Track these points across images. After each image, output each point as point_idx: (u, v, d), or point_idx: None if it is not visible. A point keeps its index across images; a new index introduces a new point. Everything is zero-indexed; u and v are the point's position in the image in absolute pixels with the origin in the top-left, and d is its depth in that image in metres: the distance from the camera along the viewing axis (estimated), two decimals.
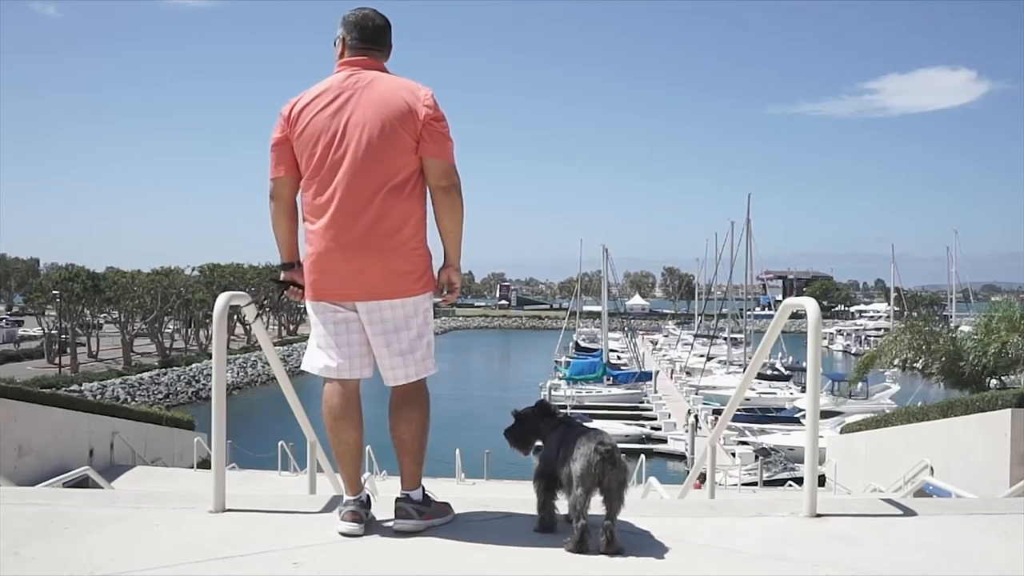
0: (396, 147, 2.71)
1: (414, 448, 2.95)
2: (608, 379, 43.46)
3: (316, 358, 2.92)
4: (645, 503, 5.32)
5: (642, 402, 41.12)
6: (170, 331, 57.65)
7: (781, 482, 19.92)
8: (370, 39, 2.90)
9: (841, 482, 14.05)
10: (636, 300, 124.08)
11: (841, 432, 16.67)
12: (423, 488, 2.98)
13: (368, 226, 2.74)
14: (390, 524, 2.94)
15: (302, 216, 2.89)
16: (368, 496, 3.02)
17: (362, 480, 3.09)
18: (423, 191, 2.83)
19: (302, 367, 3.09)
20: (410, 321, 2.88)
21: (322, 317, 2.89)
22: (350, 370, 2.91)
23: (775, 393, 38.71)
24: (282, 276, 3.00)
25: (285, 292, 3.01)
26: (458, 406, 37.65)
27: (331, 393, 2.93)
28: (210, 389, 3.23)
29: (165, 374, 46.59)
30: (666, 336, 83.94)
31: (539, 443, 3.01)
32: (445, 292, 2.94)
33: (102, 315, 55.53)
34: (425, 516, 2.92)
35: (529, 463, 3.32)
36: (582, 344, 64.13)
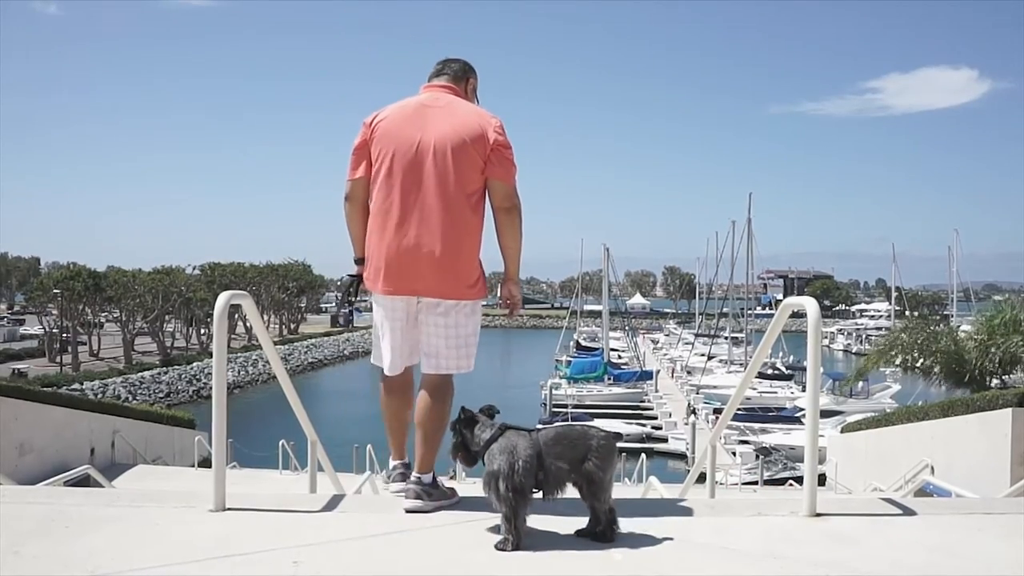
0: (466, 164, 2.96)
1: (433, 438, 3.17)
2: (609, 378, 43.46)
3: (382, 353, 3.24)
4: (645, 502, 5.32)
5: (643, 401, 41.15)
6: (171, 330, 57.67)
7: (781, 481, 19.92)
8: (451, 72, 3.24)
9: (841, 481, 14.05)
10: (637, 299, 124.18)
11: (841, 431, 16.66)
12: (433, 473, 3.17)
13: (435, 231, 2.99)
14: (394, 518, 2.97)
15: (371, 213, 3.12)
16: (410, 461, 3.30)
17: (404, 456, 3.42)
18: (484, 208, 3.11)
19: (372, 361, 3.37)
20: (468, 320, 3.16)
21: (387, 311, 3.16)
22: (406, 362, 3.25)
23: (776, 392, 38.73)
24: (356, 270, 3.24)
25: (359, 284, 3.25)
26: (458, 405, 37.63)
27: (389, 379, 3.29)
28: (211, 388, 3.23)
29: (166, 373, 46.64)
30: (667, 335, 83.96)
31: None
32: (507, 303, 3.26)
33: (103, 314, 55.58)
34: (433, 498, 3.10)
35: None
36: (583, 343, 64.12)
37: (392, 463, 3.45)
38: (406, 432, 3.37)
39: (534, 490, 2.69)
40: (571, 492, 2.78)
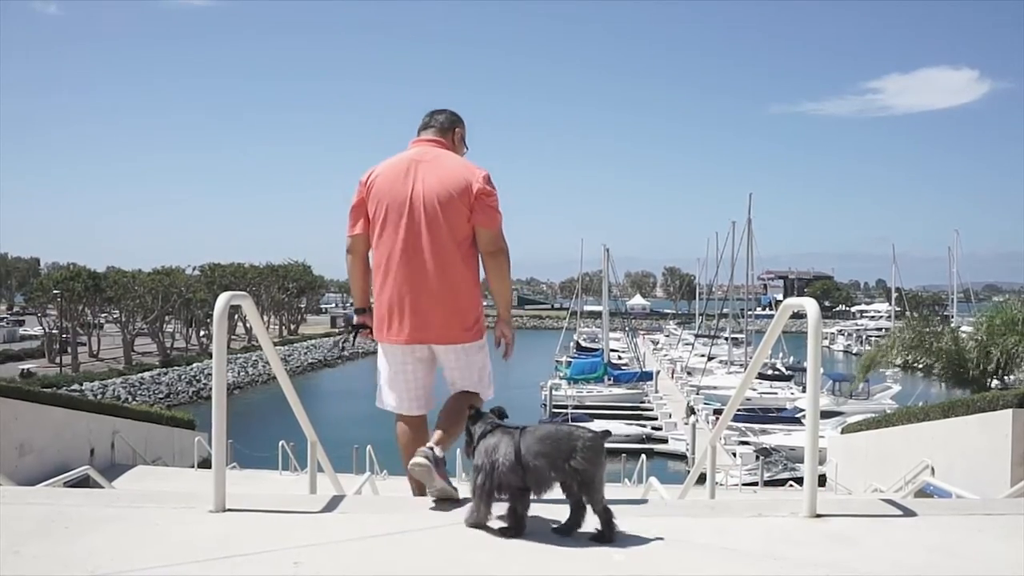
0: (454, 215, 3.14)
1: (454, 431, 3.29)
2: (609, 379, 43.44)
3: (386, 396, 3.46)
4: (645, 503, 5.32)
5: (643, 402, 41.13)
6: (171, 331, 57.65)
7: (782, 482, 19.92)
8: (438, 125, 3.39)
9: (842, 482, 14.05)
10: (637, 300, 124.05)
11: (842, 432, 16.66)
12: (444, 457, 3.24)
13: (431, 280, 3.19)
14: (394, 519, 2.96)
15: (372, 267, 3.33)
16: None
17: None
18: (476, 254, 3.30)
19: (376, 404, 3.53)
20: (476, 356, 3.40)
21: (390, 358, 3.37)
22: (413, 408, 3.44)
23: (776, 393, 38.71)
24: (355, 320, 3.44)
25: (358, 333, 3.45)
26: None
27: (403, 427, 3.46)
28: (211, 388, 3.24)
29: (166, 373, 46.62)
30: (667, 336, 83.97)
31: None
32: (502, 345, 3.43)
33: (103, 315, 55.56)
34: (439, 471, 3.13)
35: None
36: (583, 344, 64.12)
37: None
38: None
39: (521, 487, 2.73)
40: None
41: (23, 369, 44.11)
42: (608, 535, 2.74)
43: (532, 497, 2.78)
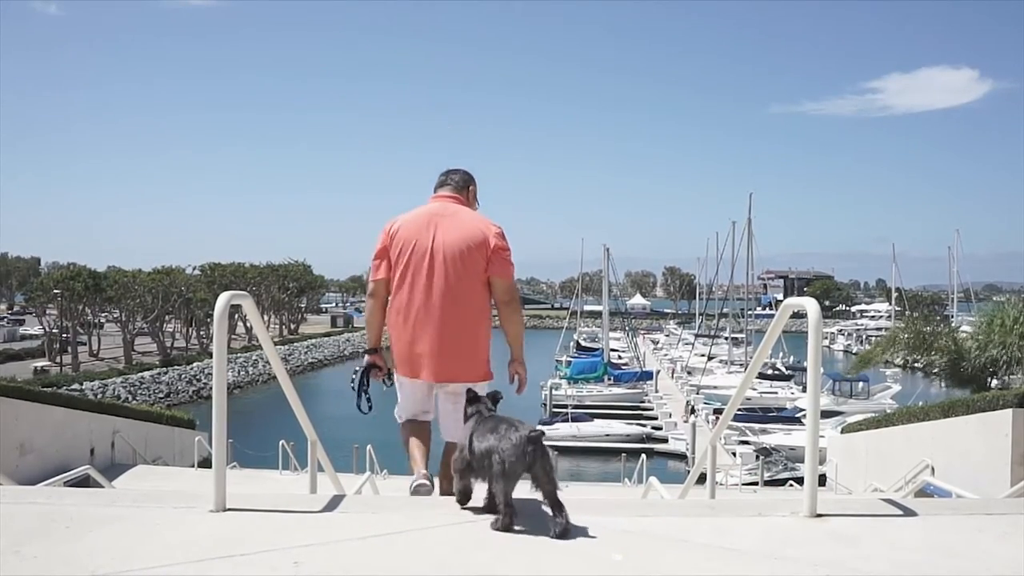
0: (472, 266, 3.43)
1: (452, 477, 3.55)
2: (609, 379, 43.46)
3: (403, 411, 3.78)
4: (645, 503, 5.32)
5: (643, 402, 41.15)
6: (171, 330, 57.65)
7: (782, 482, 19.92)
8: (455, 183, 3.70)
9: (842, 482, 14.06)
10: (637, 300, 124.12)
11: (842, 432, 16.67)
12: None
13: (447, 325, 3.46)
14: (395, 518, 2.97)
15: (390, 310, 3.58)
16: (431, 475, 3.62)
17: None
18: (489, 301, 3.57)
19: (396, 417, 3.82)
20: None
21: (408, 389, 3.69)
22: (423, 416, 3.81)
23: (776, 393, 38.72)
24: (367, 359, 3.69)
25: (369, 372, 3.71)
26: None
27: (410, 426, 3.76)
28: (211, 388, 3.25)
29: (166, 373, 46.62)
30: (667, 336, 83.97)
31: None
32: (516, 382, 3.64)
33: (103, 314, 55.56)
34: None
35: None
36: (583, 343, 64.14)
37: (417, 476, 3.62)
38: (426, 455, 3.75)
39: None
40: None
41: (36, 367, 44.31)
42: (558, 529, 2.75)
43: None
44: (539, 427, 2.91)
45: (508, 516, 2.79)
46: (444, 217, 3.49)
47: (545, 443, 2.80)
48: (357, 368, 3.75)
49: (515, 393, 3.65)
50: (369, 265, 3.70)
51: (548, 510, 2.80)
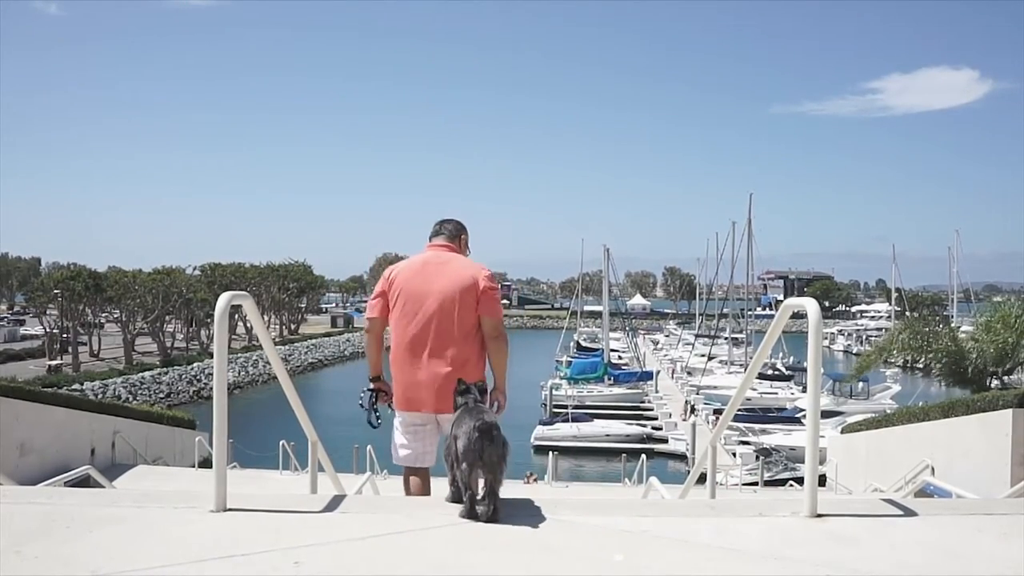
0: (463, 307, 3.76)
1: None
2: (609, 379, 43.42)
3: (401, 453, 3.98)
4: (646, 503, 5.32)
5: (643, 402, 41.13)
6: (171, 330, 57.67)
7: (782, 482, 19.92)
8: (447, 232, 4.05)
9: (842, 482, 14.06)
10: (637, 300, 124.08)
11: (842, 432, 16.68)
12: None
13: (442, 362, 3.75)
14: (395, 518, 2.97)
15: (392, 347, 3.91)
16: None
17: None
18: (480, 338, 3.86)
19: (393, 460, 4.03)
20: None
21: (405, 424, 3.91)
22: (422, 462, 3.96)
23: (776, 393, 38.71)
24: (372, 385, 4.02)
25: (378, 397, 4.00)
26: None
27: (414, 479, 3.97)
28: (211, 388, 3.25)
29: (166, 373, 46.60)
30: (667, 336, 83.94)
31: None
32: (495, 406, 3.78)
33: (103, 314, 55.55)
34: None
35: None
36: (583, 344, 64.13)
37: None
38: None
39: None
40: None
41: (49, 365, 44.42)
42: (485, 514, 3.00)
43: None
44: (493, 419, 3.13)
45: (469, 502, 3.02)
46: (437, 264, 3.85)
47: (497, 434, 3.03)
48: (365, 390, 4.04)
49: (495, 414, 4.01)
50: (368, 302, 4.05)
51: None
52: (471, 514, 3.01)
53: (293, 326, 75.75)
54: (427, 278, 3.81)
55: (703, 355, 52.54)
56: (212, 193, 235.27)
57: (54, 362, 45.64)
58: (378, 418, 4.04)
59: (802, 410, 28.44)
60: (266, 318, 63.84)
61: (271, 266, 72.42)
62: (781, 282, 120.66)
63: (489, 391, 3.75)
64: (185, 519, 3.05)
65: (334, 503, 3.26)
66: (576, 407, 36.74)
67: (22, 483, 7.81)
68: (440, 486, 3.56)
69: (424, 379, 3.78)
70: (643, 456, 17.51)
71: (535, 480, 18.57)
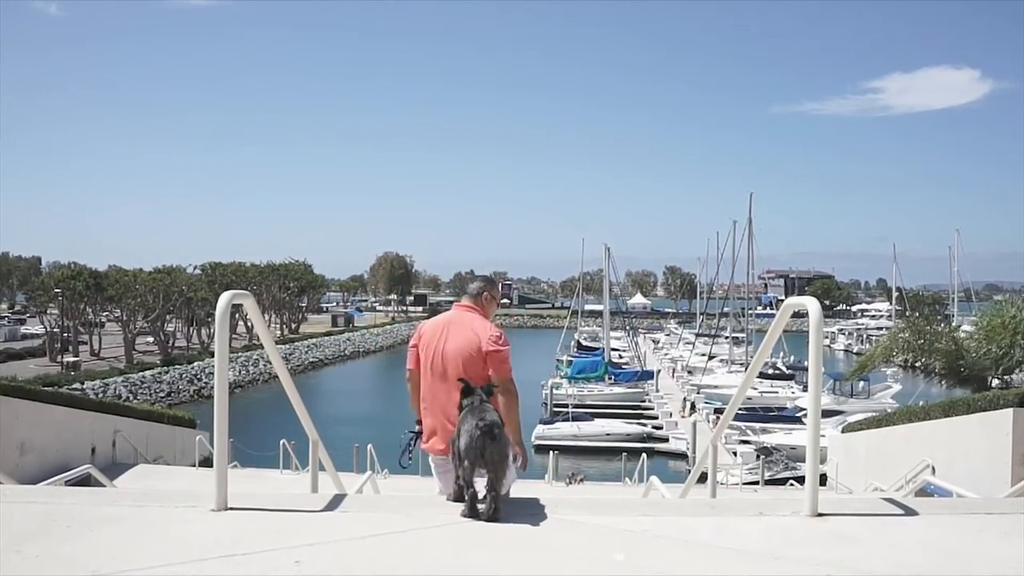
0: (472, 365, 4.05)
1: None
2: (610, 378, 43.41)
3: (437, 490, 4.18)
4: (647, 502, 5.33)
5: (644, 401, 41.11)
6: (172, 329, 57.69)
7: (783, 481, 19.90)
8: (471, 292, 4.42)
9: (843, 481, 14.06)
10: (638, 299, 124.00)
11: (843, 431, 16.67)
12: None
13: (454, 412, 3.88)
14: (396, 518, 2.97)
15: (420, 396, 4.24)
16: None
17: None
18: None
19: (437, 493, 4.17)
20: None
21: (435, 465, 4.17)
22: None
23: (777, 392, 38.68)
24: (417, 428, 4.25)
25: (416, 440, 4.24)
26: None
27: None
28: (212, 387, 3.26)
29: (167, 372, 46.59)
30: (668, 335, 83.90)
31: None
32: (518, 461, 3.91)
33: (104, 313, 55.57)
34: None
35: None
36: (584, 343, 64.09)
37: None
38: None
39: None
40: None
41: (67, 362, 44.49)
42: (488, 513, 3.05)
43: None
44: (496, 418, 3.25)
45: (470, 501, 3.06)
46: (455, 324, 4.20)
47: (499, 433, 3.13)
48: (407, 431, 4.29)
49: (519, 469, 4.15)
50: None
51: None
52: (472, 513, 3.03)
53: (294, 325, 75.75)
54: (446, 338, 4.16)
55: (704, 354, 52.51)
56: (212, 193, 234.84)
57: (70, 359, 45.68)
58: (410, 458, 4.30)
59: (803, 409, 28.45)
60: (267, 317, 63.87)
61: (272, 265, 72.42)
62: (782, 281, 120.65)
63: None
64: (186, 518, 3.05)
65: (335, 502, 3.27)
66: (577, 406, 36.74)
67: (22, 482, 7.82)
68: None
69: (440, 428, 4.06)
70: (644, 455, 17.52)
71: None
